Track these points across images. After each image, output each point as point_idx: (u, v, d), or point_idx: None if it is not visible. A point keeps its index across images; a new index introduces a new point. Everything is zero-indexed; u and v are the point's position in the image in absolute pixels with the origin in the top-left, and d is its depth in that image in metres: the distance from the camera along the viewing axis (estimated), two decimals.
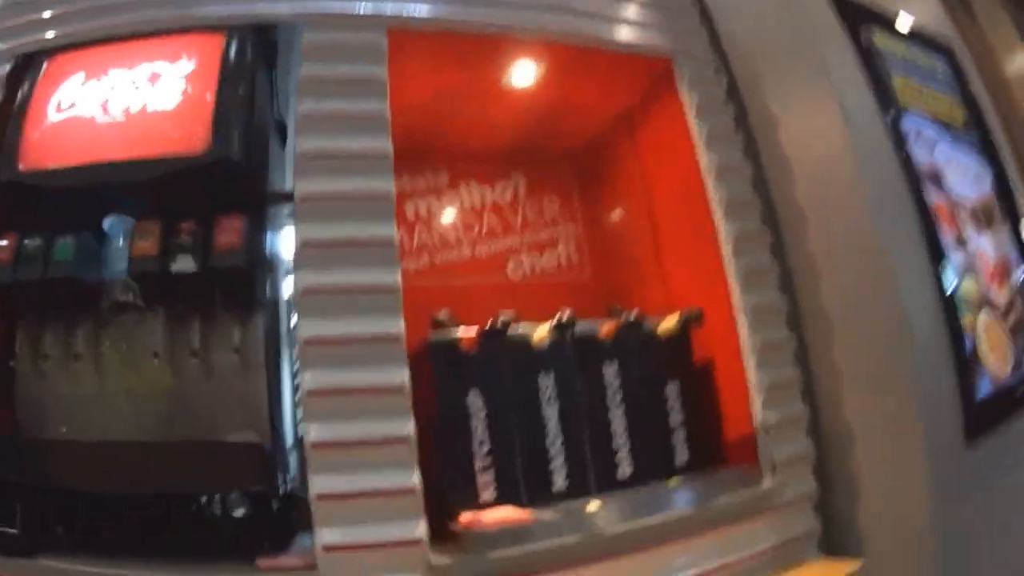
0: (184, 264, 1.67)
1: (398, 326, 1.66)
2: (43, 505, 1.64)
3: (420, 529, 1.56)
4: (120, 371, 1.74)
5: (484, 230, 2.72)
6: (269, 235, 1.86)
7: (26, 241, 1.77)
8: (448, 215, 2.69)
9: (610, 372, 2.02)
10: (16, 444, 1.72)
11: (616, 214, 2.76)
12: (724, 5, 2.39)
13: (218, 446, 1.69)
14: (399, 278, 1.70)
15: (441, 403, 1.81)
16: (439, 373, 1.83)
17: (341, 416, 1.58)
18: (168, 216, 1.73)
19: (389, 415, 1.60)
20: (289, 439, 1.82)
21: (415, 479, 1.58)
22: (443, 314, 1.95)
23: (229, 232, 1.69)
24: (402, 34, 1.92)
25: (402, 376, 1.63)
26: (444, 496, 1.72)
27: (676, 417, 2.08)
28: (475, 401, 1.83)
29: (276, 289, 1.93)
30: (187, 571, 1.57)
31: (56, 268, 1.71)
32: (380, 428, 1.59)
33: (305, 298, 1.66)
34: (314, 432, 1.58)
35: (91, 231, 1.79)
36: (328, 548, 1.53)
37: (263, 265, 1.82)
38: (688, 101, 2.24)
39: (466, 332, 1.88)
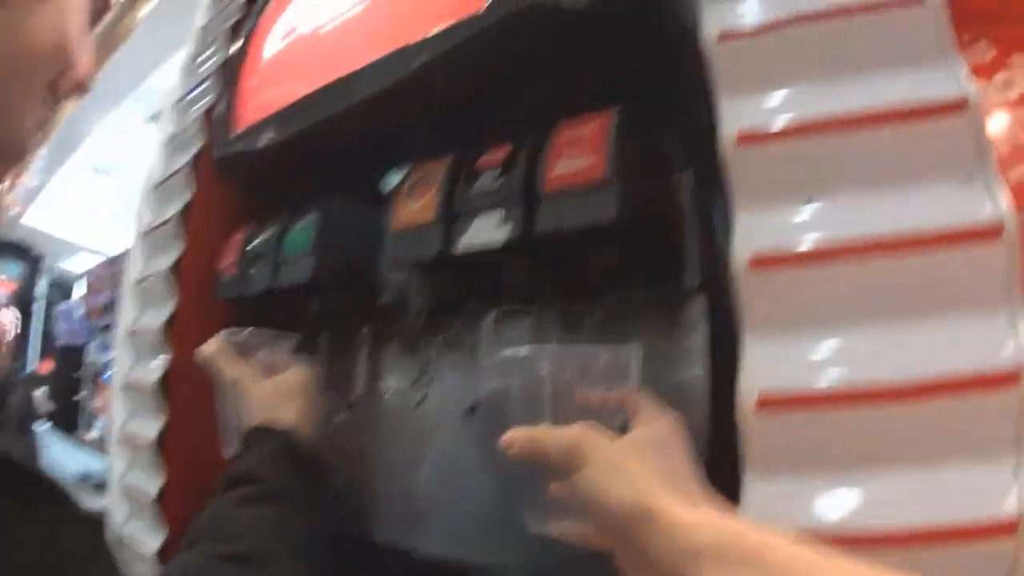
0: (488, 234, 0.85)
1: None
2: None
3: None
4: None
5: None
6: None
7: (255, 240, 1.25)
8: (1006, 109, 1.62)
9: None
10: None
11: None
12: None
13: None
14: None
15: None
16: None
17: None
18: (461, 143, 0.97)
19: None
20: None
21: None
22: None
23: (580, 150, 0.80)
24: None
25: None
26: None
27: None
28: None
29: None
30: None
31: (288, 271, 1.15)
32: None
33: None
34: None
35: (350, 197, 1.19)
36: None
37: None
38: None
39: None
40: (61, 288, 6.35)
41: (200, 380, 1.14)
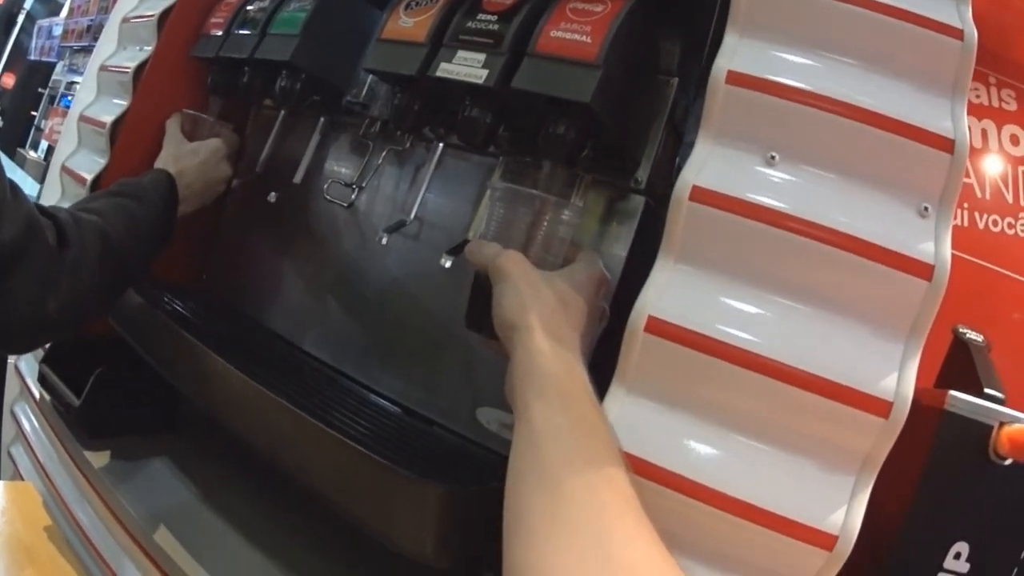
0: (469, 70, 0.86)
1: None
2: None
3: None
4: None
5: None
6: None
7: (249, 7, 1.25)
8: (1004, 160, 1.62)
9: None
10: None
11: None
12: None
13: None
14: None
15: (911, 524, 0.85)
16: (936, 473, 0.84)
17: None
18: None
19: None
20: None
21: None
22: (971, 334, 1.00)
23: (581, 25, 0.81)
24: None
25: None
26: None
27: None
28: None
29: None
30: None
31: (271, 44, 1.16)
32: None
33: None
34: None
35: None
36: None
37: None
38: None
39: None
40: (47, 4, 6.13)
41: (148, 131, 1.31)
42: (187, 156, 1.24)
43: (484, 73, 0.84)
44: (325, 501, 0.85)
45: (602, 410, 0.66)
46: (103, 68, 1.44)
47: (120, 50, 1.46)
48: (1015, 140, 1.64)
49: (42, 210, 0.93)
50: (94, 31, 3.65)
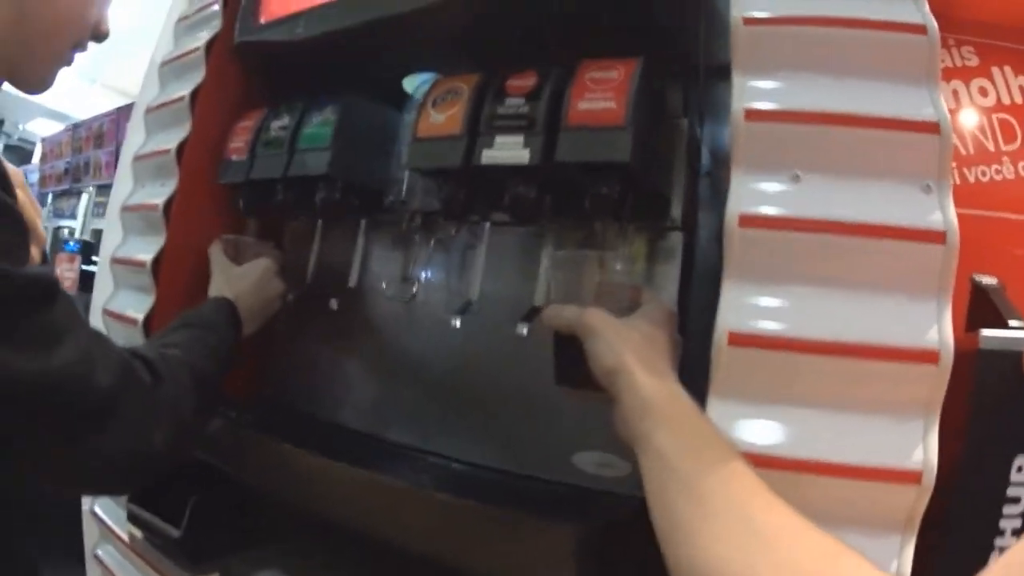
0: (512, 152, 0.95)
1: None
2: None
3: None
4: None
5: None
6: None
7: (270, 123, 1.32)
8: (979, 113, 1.78)
9: None
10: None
11: None
12: None
13: None
14: None
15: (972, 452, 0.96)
16: (984, 405, 0.95)
17: None
18: (491, 64, 1.06)
19: None
20: None
21: None
22: (985, 279, 1.11)
23: (603, 93, 0.91)
24: None
25: None
26: None
27: None
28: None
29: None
30: None
31: (303, 161, 1.23)
32: None
33: None
34: None
35: (368, 97, 1.28)
36: None
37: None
38: None
39: None
40: (18, 153, 6.18)
41: (189, 262, 1.37)
42: (238, 280, 1.29)
43: (526, 153, 0.93)
44: (463, 569, 0.90)
45: (709, 418, 0.76)
46: (126, 208, 1.50)
47: (139, 188, 1.52)
48: (984, 92, 1.77)
49: (129, 351, 0.98)
50: (73, 173, 3.71)
